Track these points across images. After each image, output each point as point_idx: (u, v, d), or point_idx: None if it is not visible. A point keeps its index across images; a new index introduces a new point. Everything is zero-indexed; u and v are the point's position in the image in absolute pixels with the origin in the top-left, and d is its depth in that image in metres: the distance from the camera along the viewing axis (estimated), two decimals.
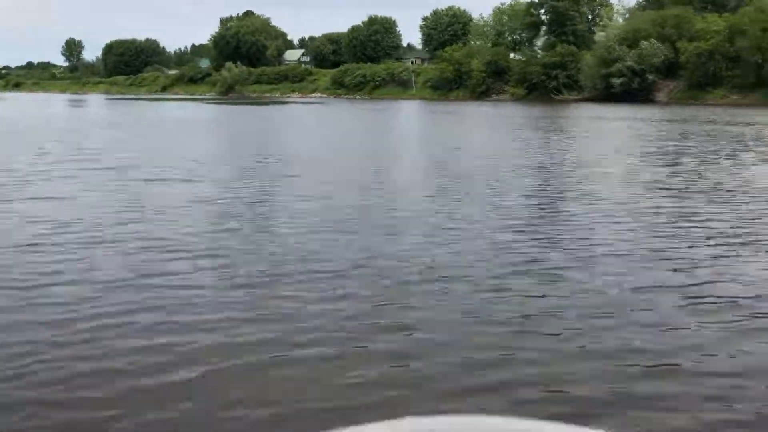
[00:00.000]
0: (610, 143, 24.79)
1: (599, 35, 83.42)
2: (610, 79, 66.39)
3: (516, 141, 25.98)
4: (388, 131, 34.36)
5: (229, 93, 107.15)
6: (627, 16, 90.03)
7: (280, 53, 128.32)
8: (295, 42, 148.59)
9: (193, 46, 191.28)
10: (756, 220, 10.55)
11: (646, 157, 20.11)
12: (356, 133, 31.09)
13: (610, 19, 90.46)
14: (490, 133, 31.54)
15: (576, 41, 78.43)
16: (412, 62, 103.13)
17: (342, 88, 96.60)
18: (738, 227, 10.01)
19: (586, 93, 70.01)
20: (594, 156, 20.53)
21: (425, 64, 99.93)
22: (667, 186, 14.10)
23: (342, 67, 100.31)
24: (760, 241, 9.18)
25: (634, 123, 37.60)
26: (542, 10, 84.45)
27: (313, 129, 35.44)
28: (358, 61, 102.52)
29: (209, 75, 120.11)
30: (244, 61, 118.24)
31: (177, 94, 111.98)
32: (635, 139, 27.29)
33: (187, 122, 40.66)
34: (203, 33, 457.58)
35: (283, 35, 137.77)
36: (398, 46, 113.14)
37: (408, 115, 52.94)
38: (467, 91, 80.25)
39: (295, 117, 48.46)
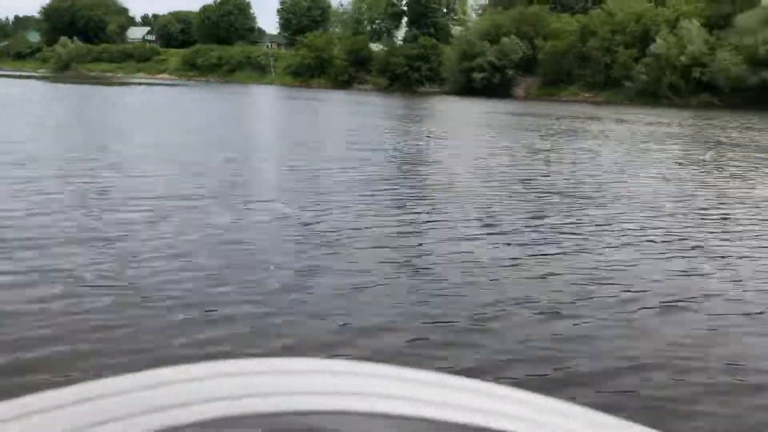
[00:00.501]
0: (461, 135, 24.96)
1: (456, 29, 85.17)
2: (471, 74, 67.52)
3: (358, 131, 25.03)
4: (249, 119, 32.00)
5: (64, 71, 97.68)
6: (480, 12, 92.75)
7: (123, 30, 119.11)
8: (138, 19, 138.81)
9: (17, 17, 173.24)
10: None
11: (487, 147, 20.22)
12: (215, 124, 28.44)
13: (465, 13, 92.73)
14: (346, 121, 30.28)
15: (437, 34, 79.24)
16: (268, 46, 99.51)
17: (194, 69, 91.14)
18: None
19: (448, 86, 70.81)
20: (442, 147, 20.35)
21: (282, 49, 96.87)
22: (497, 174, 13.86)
23: (194, 48, 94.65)
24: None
25: (484, 116, 37.91)
26: (404, 1, 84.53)
27: (168, 116, 32.11)
28: (211, 43, 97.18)
29: (39, 50, 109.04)
30: (80, 36, 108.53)
31: (1, 69, 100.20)
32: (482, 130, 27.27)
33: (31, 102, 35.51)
34: (28, 3, 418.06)
35: (125, 11, 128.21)
36: (253, 29, 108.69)
37: (268, 102, 50.31)
38: (329, 79, 78.60)
39: (147, 100, 44.23)
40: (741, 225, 9.90)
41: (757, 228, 9.67)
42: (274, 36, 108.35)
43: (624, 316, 5.78)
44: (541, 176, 14.24)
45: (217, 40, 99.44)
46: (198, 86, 70.62)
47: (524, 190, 12.26)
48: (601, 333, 5.35)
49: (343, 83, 77.39)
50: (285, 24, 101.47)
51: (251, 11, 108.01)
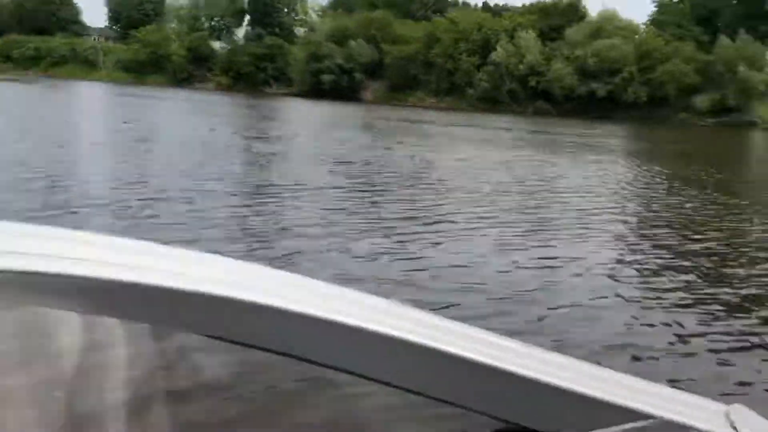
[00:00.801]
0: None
1: (299, 30, 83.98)
2: (320, 76, 66.72)
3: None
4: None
5: None
6: (320, 14, 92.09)
7: None
8: None
9: None
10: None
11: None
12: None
13: (306, 14, 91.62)
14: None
15: (282, 34, 77.51)
16: (95, 39, 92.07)
17: (9, 62, 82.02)
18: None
19: (296, 88, 69.41)
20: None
21: (110, 43, 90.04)
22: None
23: (8, 38, 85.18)
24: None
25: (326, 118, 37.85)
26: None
27: None
28: (28, 33, 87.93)
29: None
30: None
31: None
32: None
33: None
34: None
35: None
36: (77, 21, 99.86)
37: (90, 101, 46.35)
38: (167, 76, 74.14)
39: None
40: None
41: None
42: (103, 29, 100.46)
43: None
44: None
45: (33, 30, 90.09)
46: (16, 81, 63.43)
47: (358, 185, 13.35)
48: None
49: (183, 81, 73.38)
50: (114, 17, 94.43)
51: (74, 2, 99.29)
